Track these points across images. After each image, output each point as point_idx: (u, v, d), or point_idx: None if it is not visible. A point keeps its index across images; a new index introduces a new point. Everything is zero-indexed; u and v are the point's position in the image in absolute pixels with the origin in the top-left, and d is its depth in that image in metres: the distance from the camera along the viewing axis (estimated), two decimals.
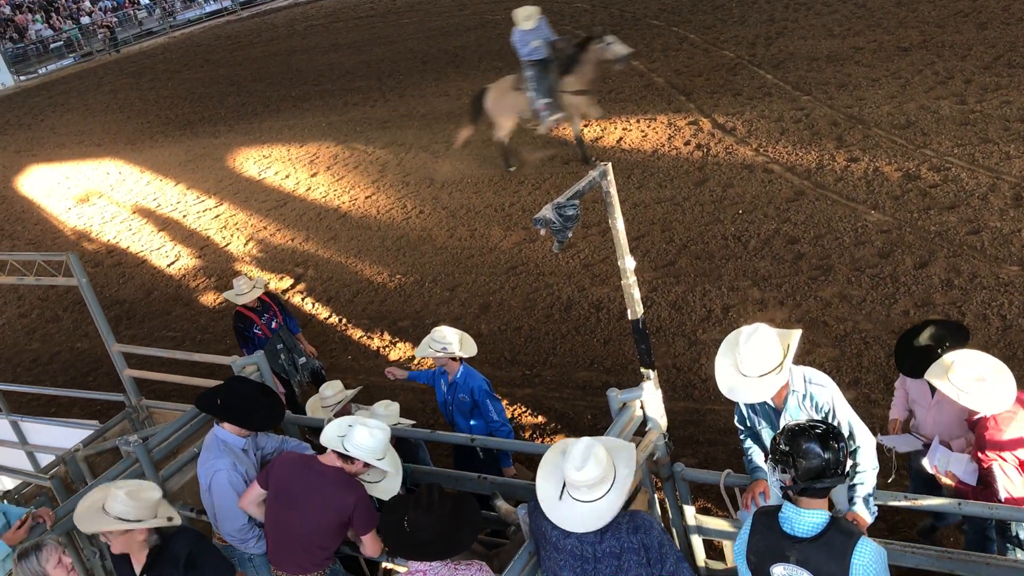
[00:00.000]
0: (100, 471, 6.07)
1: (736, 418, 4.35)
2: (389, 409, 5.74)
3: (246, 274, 7.97)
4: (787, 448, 3.16)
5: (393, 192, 13.43)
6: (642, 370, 4.74)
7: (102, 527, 4.05)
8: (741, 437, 4.34)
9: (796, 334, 3.94)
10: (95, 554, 5.24)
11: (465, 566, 3.57)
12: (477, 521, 3.80)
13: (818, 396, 3.96)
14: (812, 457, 3.12)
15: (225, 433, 4.87)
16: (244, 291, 7.69)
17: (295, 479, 4.44)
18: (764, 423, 4.18)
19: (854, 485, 3.88)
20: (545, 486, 3.56)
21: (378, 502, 4.75)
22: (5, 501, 6.25)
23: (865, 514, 3.88)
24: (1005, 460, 3.91)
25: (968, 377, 3.98)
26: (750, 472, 4.24)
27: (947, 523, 5.26)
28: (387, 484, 4.62)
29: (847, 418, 3.95)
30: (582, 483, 3.40)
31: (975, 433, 4.09)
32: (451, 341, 5.88)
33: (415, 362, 8.99)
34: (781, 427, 3.29)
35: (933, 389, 4.42)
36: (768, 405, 4.10)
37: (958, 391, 3.99)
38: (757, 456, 4.23)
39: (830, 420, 3.90)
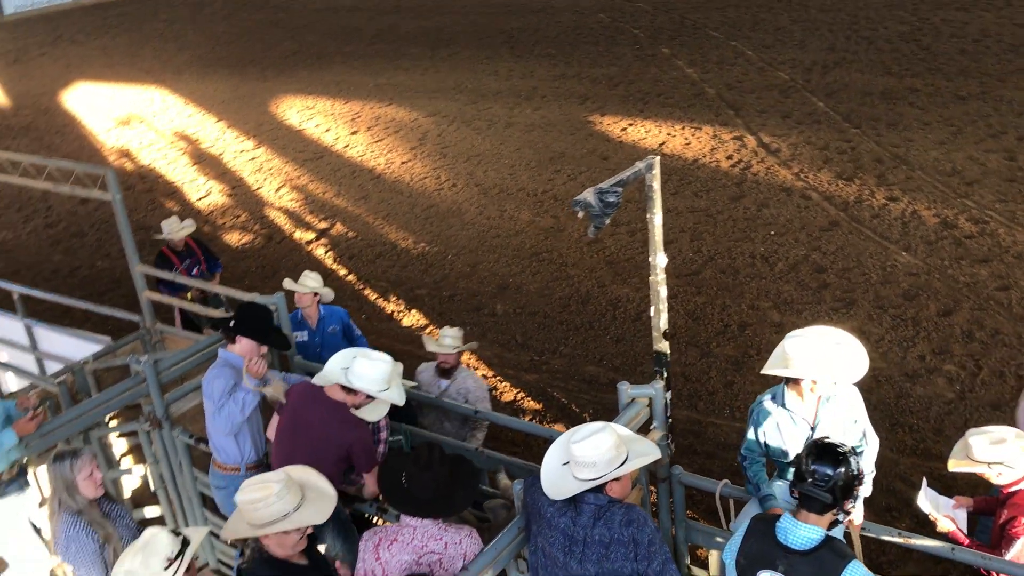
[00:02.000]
0: (106, 385, 6.15)
1: (747, 445, 4.22)
2: None
3: (176, 216, 8.27)
4: (804, 460, 3.30)
5: (430, 161, 13.45)
6: (654, 369, 4.75)
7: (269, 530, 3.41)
8: (746, 464, 4.23)
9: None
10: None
11: (455, 529, 3.59)
12: (474, 485, 3.82)
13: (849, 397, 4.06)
14: (820, 477, 3.22)
15: (230, 354, 4.90)
16: (173, 230, 8.08)
17: (306, 410, 4.48)
18: (792, 436, 4.09)
19: None
20: (551, 456, 3.59)
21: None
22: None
23: (858, 514, 3.95)
24: None
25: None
26: (761, 499, 4.11)
27: None
28: (375, 406, 4.51)
29: (862, 415, 4.08)
30: (575, 458, 3.42)
31: (1008, 504, 4.04)
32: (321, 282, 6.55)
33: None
34: (810, 440, 3.37)
35: None
36: (802, 418, 4.08)
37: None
38: (766, 485, 4.13)
39: (856, 422, 4.05)
